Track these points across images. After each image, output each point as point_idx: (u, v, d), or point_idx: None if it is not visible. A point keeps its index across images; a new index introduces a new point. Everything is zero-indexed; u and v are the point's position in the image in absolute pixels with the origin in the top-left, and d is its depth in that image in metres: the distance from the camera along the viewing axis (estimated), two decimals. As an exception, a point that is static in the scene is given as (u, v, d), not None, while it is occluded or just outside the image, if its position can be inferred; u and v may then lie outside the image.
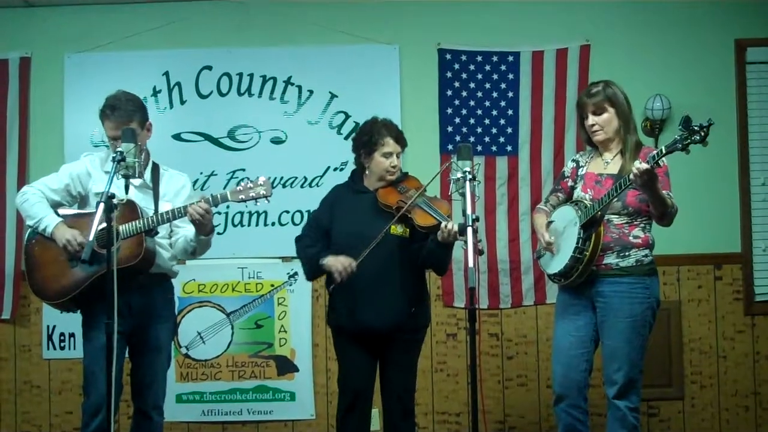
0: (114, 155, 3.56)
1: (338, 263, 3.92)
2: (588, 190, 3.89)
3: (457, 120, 5.40)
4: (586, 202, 3.82)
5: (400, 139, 4.13)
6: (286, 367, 5.32)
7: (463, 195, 3.48)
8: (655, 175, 3.55)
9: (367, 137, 4.10)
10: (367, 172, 4.15)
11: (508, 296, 5.37)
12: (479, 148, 5.36)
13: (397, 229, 4.00)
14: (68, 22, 5.42)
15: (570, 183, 4.04)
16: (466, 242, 3.37)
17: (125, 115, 3.91)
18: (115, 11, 5.40)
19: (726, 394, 5.32)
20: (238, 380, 5.32)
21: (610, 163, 3.90)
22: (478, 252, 3.49)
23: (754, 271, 5.36)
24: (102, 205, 3.42)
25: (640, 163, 3.51)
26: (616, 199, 3.72)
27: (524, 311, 5.40)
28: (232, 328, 5.34)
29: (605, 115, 3.87)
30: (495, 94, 5.42)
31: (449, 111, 5.41)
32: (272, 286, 5.35)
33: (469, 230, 3.36)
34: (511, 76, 5.42)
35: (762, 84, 5.43)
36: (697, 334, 5.34)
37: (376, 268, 3.94)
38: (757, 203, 5.39)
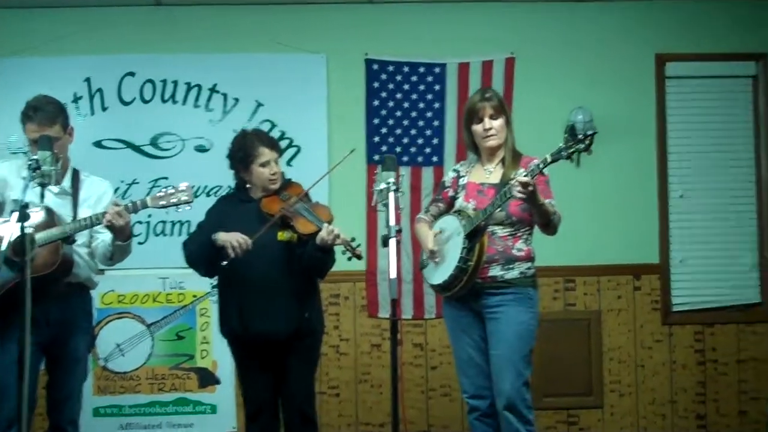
0: (30, 162, 3.46)
1: (233, 237, 3.88)
2: (470, 199, 3.86)
3: (384, 130, 5.41)
4: (468, 212, 3.78)
5: (275, 146, 4.11)
6: (207, 379, 5.25)
7: (387, 206, 3.46)
8: (535, 186, 3.53)
9: (242, 152, 4.06)
10: (249, 185, 4.12)
11: (433, 306, 5.37)
12: (405, 158, 5.38)
13: (284, 236, 3.97)
14: (-15, 25, 5.28)
15: (451, 193, 4.00)
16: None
17: (48, 117, 3.81)
18: (35, 15, 5.27)
19: (644, 402, 5.42)
20: (158, 393, 5.22)
21: (492, 172, 3.89)
22: (357, 256, 3.82)
23: (671, 281, 5.48)
24: (15, 214, 3.33)
25: (521, 175, 3.51)
26: (499, 209, 3.71)
27: (449, 321, 5.41)
28: (153, 339, 5.24)
29: (500, 120, 3.84)
30: (421, 105, 5.44)
31: (376, 121, 5.42)
32: (194, 296, 5.27)
33: (392, 242, 3.35)
34: (437, 87, 5.45)
35: (681, 98, 5.55)
36: (617, 344, 5.43)
37: (266, 275, 3.92)
38: (674, 215, 5.50)
